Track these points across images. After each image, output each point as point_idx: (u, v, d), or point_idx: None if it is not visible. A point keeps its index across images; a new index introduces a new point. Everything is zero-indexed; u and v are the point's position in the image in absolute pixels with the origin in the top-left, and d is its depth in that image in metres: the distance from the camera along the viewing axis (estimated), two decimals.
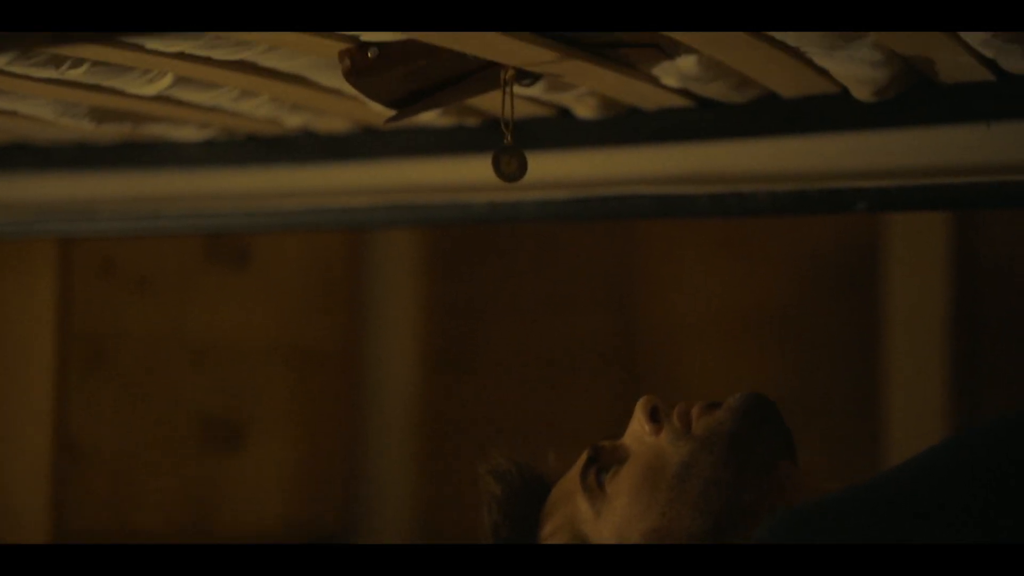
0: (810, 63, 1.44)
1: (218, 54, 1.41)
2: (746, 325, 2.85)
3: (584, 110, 1.66)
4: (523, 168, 1.50)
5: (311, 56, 1.46)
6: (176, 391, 2.79)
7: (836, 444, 2.58)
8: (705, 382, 2.84)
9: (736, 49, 1.38)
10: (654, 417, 1.32)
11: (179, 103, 1.66)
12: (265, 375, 2.96)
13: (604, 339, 3.03)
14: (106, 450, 2.67)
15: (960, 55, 1.37)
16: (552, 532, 1.33)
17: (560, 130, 1.69)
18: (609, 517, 1.30)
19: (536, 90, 1.58)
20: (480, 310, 3.15)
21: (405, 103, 1.47)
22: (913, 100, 1.49)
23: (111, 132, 1.87)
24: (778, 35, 1.35)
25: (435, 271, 3.20)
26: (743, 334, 2.86)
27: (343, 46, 1.37)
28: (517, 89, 1.55)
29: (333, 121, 1.78)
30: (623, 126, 1.67)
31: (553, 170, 1.69)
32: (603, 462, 1.33)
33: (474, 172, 1.73)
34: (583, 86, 1.58)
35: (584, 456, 1.35)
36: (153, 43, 1.35)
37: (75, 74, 1.46)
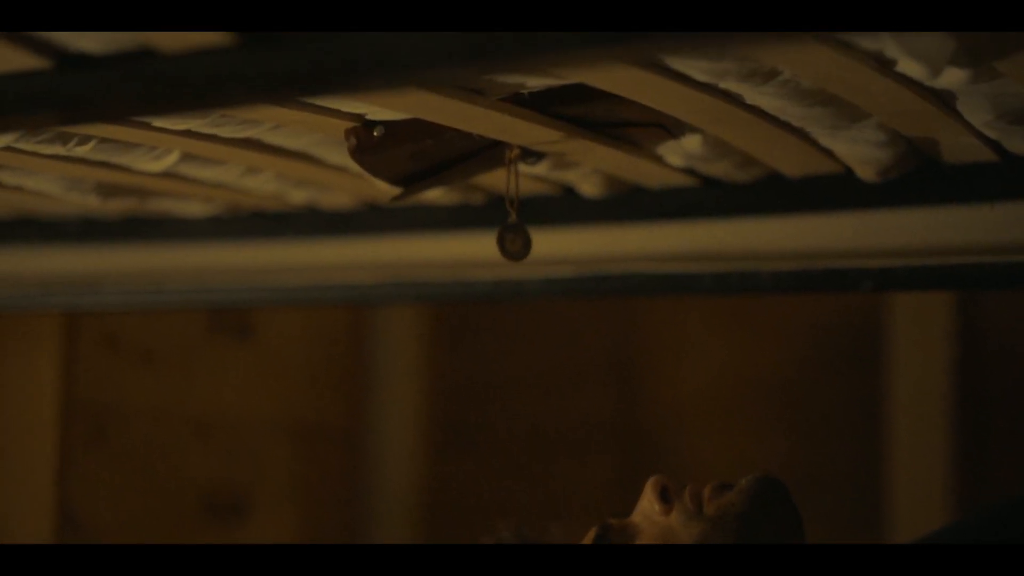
0: (814, 143, 1.44)
1: (224, 131, 1.42)
2: (749, 401, 2.85)
3: (589, 188, 1.66)
4: (527, 246, 1.51)
5: (316, 134, 1.47)
6: (179, 464, 2.78)
7: (840, 520, 2.57)
8: (709, 457, 2.83)
9: (740, 128, 1.38)
10: (664, 497, 1.32)
11: (185, 179, 1.66)
12: (268, 449, 2.95)
13: (608, 415, 3.02)
14: (108, 522, 2.65)
15: (963, 136, 1.38)
16: None
17: (565, 208, 1.70)
18: None
19: (541, 168, 1.58)
20: (484, 386, 3.15)
21: (410, 181, 1.48)
22: (917, 180, 1.50)
23: (117, 207, 1.87)
24: (782, 115, 1.35)
25: (439, 347, 3.19)
26: (746, 410, 2.85)
27: (348, 124, 1.38)
28: (522, 167, 1.56)
29: (338, 197, 1.79)
30: (627, 204, 1.67)
31: (557, 247, 1.69)
32: (611, 540, 1.33)
33: (478, 249, 1.73)
34: (588, 165, 1.59)
35: (592, 533, 1.35)
36: (160, 121, 1.36)
37: (82, 151, 1.46)
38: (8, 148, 1.43)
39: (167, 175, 1.63)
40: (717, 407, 2.89)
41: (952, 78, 1.20)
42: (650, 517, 1.33)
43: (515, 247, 1.51)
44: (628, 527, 1.34)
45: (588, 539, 1.34)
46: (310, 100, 1.30)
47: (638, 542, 1.32)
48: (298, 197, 1.79)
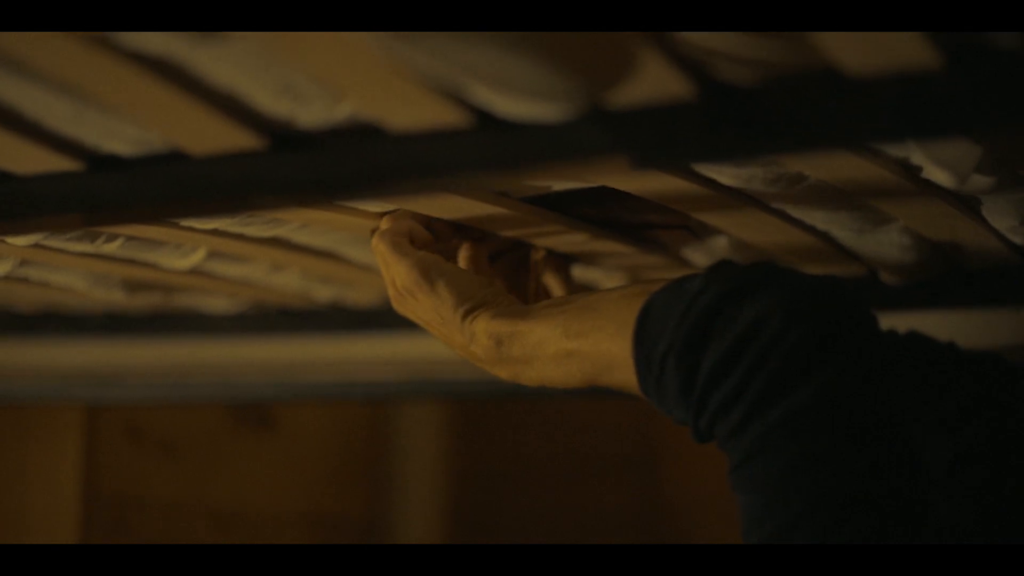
0: (839, 246, 1.44)
1: (251, 231, 1.42)
2: None
3: (612, 285, 1.66)
4: None
5: (342, 233, 1.48)
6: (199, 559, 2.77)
7: None
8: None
9: (765, 230, 1.38)
10: None
11: (211, 276, 1.67)
12: (288, 542, 2.94)
13: (629, 507, 3.01)
14: None
15: (989, 241, 1.38)
16: None
17: None
18: None
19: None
20: (504, 480, 3.14)
21: None
22: (941, 284, 1.50)
23: (142, 302, 1.88)
24: (807, 218, 1.36)
25: (459, 442, 3.19)
26: None
27: (373, 223, 1.39)
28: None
29: (362, 294, 1.80)
30: None
31: None
32: None
33: None
34: (612, 265, 1.59)
35: None
36: (187, 220, 1.36)
37: (110, 248, 1.47)
38: (36, 245, 1.44)
39: (193, 272, 1.63)
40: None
41: (977, 184, 1.20)
42: None
43: None
44: None
45: None
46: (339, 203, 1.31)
47: None
48: (323, 294, 1.80)
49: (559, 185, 1.28)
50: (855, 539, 1.00)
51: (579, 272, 1.63)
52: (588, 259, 1.56)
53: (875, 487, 1.02)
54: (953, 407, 1.09)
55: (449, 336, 1.30)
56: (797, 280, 1.08)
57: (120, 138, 1.07)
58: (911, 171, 1.18)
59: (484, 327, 1.25)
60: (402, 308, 1.33)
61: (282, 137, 1.03)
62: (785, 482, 1.02)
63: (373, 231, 1.37)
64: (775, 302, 1.05)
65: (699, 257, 1.53)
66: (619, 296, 1.18)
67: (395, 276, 1.29)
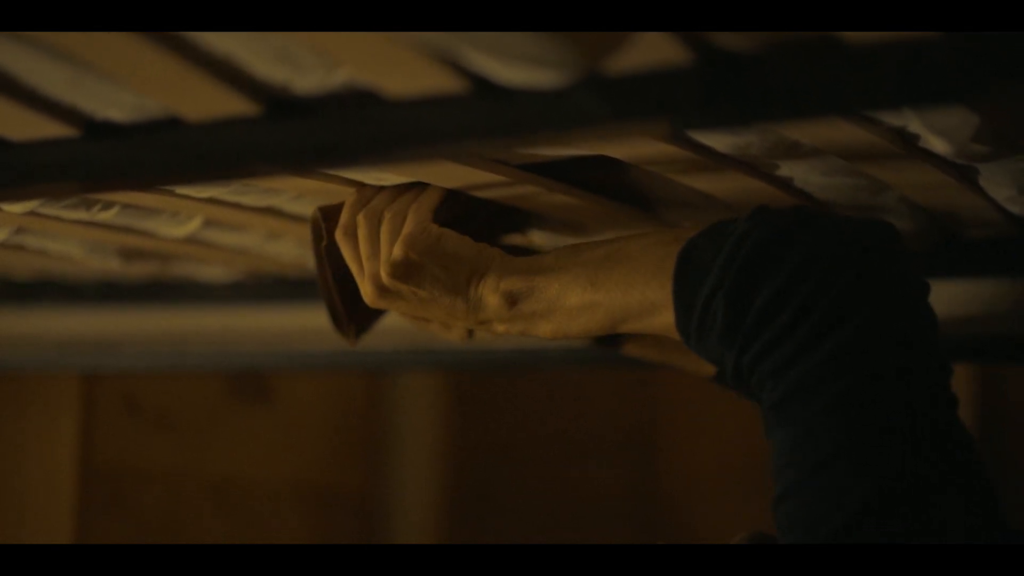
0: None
1: (247, 199, 1.42)
2: (766, 471, 2.83)
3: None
4: None
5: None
6: (195, 527, 2.77)
7: None
8: (727, 527, 2.82)
9: (761, 198, 1.38)
10: None
11: (207, 244, 1.67)
12: (284, 513, 2.94)
13: (625, 483, 3.01)
14: None
15: (986, 210, 1.38)
16: None
17: None
18: None
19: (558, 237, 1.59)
20: (500, 452, 3.14)
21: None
22: (938, 254, 1.50)
23: (138, 271, 1.88)
24: (805, 186, 1.36)
25: (455, 413, 3.19)
26: (763, 480, 2.84)
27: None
28: (528, 240, 1.56)
29: None
30: None
31: None
32: None
33: None
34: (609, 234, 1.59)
35: None
36: (183, 188, 1.36)
37: (105, 216, 1.47)
38: (32, 213, 1.44)
39: (189, 240, 1.63)
40: (734, 476, 2.87)
41: (975, 153, 1.20)
42: None
43: None
44: None
45: None
46: (335, 172, 1.31)
47: None
48: None
49: (554, 152, 1.28)
50: (886, 475, 1.02)
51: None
52: (578, 227, 1.56)
53: (909, 423, 1.04)
54: None
55: (450, 309, 1.27)
56: (842, 223, 1.11)
57: (117, 105, 1.07)
58: (909, 139, 1.18)
59: (493, 287, 1.24)
60: (390, 295, 1.29)
61: (278, 103, 1.03)
62: (825, 417, 1.04)
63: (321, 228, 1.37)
64: (823, 244, 1.08)
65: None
66: (650, 243, 1.19)
67: (396, 252, 1.26)
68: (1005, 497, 1.06)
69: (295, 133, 1.03)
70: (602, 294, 1.20)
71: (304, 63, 0.99)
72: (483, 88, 0.96)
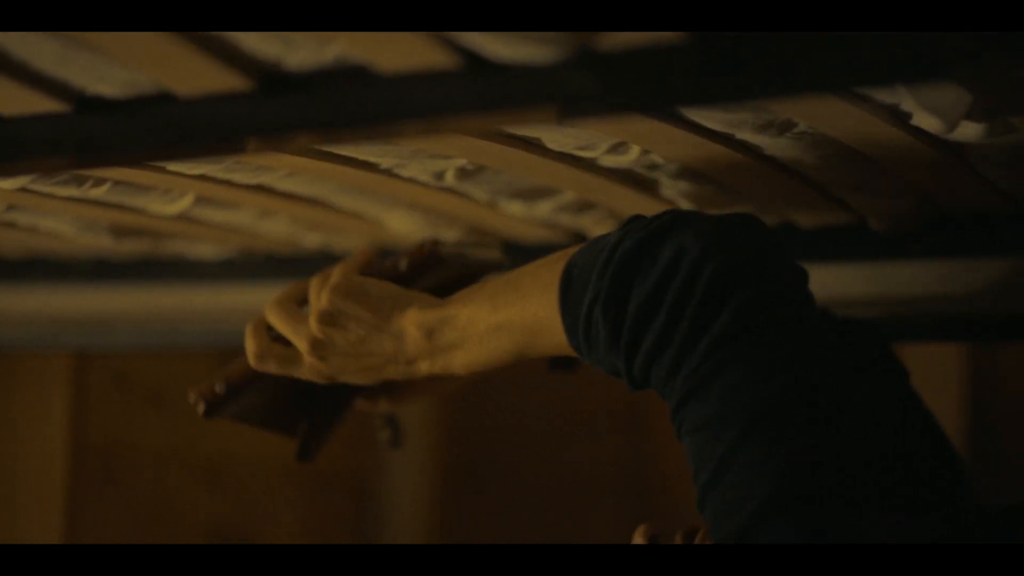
0: (828, 194, 1.44)
1: (238, 177, 1.42)
2: None
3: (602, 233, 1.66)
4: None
5: (329, 181, 1.47)
6: (187, 506, 2.78)
7: None
8: None
9: (755, 178, 1.38)
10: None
11: (199, 222, 1.67)
12: (276, 492, 2.94)
13: (621, 460, 3.01)
14: None
15: (978, 189, 1.38)
16: None
17: None
18: None
19: (553, 213, 1.59)
20: (494, 431, 3.14)
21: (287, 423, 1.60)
22: (930, 232, 1.50)
23: (130, 248, 1.88)
24: (797, 165, 1.36)
25: (449, 394, 3.19)
26: None
27: (362, 174, 1.39)
28: (532, 213, 1.57)
29: (351, 241, 1.79)
30: None
31: None
32: None
33: None
34: (602, 207, 1.59)
35: None
36: (175, 165, 1.36)
37: (97, 193, 1.47)
38: (23, 189, 1.44)
39: (181, 218, 1.63)
40: None
41: (967, 132, 1.20)
42: None
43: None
44: None
45: None
46: (326, 148, 1.31)
47: None
48: (311, 241, 1.79)
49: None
50: (794, 453, 1.00)
51: (566, 220, 1.63)
52: (579, 204, 1.56)
53: (811, 401, 1.02)
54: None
55: (378, 346, 1.32)
56: (709, 219, 1.10)
57: (108, 79, 1.07)
58: (901, 117, 1.18)
59: (413, 319, 1.29)
60: (324, 348, 1.35)
61: (270, 79, 1.03)
62: (722, 414, 1.03)
63: (195, 399, 1.53)
64: (691, 239, 1.07)
65: (685, 201, 1.52)
66: (540, 264, 1.21)
67: (322, 302, 1.33)
68: (993, 472, 1.05)
69: (287, 109, 1.03)
70: (503, 315, 1.22)
71: (296, 38, 0.99)
72: (475, 64, 0.96)
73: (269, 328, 1.41)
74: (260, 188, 1.48)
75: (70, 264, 1.99)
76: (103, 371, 2.59)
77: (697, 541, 1.30)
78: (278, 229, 1.72)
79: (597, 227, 1.64)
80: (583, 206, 1.57)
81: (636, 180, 1.45)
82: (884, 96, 1.14)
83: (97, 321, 2.03)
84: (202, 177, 1.41)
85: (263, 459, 2.90)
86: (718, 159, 1.32)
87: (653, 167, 1.41)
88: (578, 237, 1.68)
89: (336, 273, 1.35)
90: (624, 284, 1.09)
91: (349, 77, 1.01)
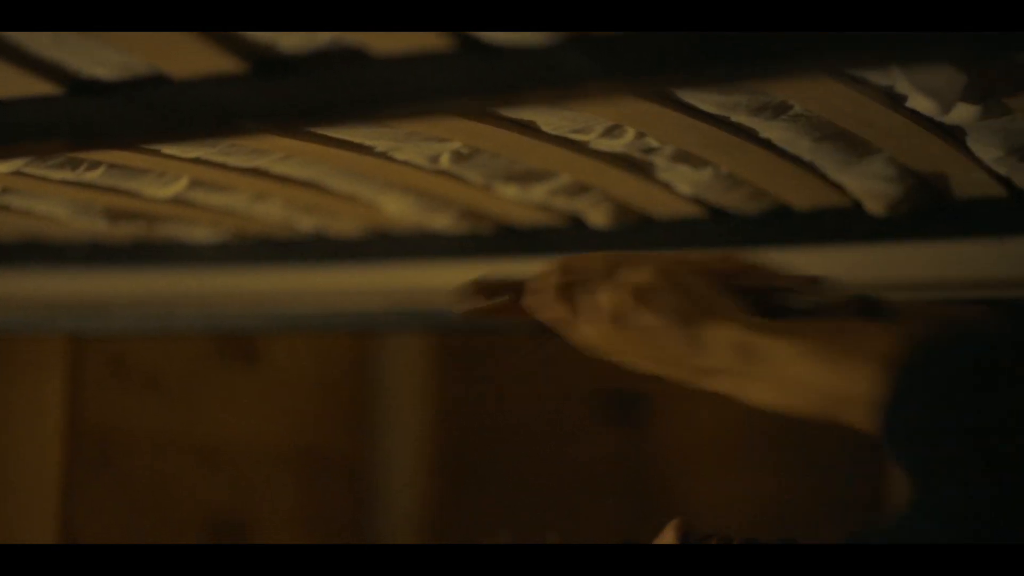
0: (824, 177, 1.44)
1: (233, 160, 1.42)
2: (761, 439, 2.84)
3: (597, 217, 1.66)
4: None
5: (324, 164, 1.47)
6: (183, 490, 2.78)
7: None
8: (716, 497, 2.82)
9: (751, 161, 1.38)
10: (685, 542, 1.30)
11: (193, 205, 1.67)
12: (272, 476, 2.94)
13: (616, 450, 3.01)
14: None
15: (973, 171, 1.38)
16: None
17: (572, 238, 1.69)
18: None
19: (548, 197, 1.59)
20: (489, 416, 3.14)
21: None
22: (926, 215, 1.49)
23: (125, 232, 1.87)
24: (792, 148, 1.35)
25: (445, 376, 3.19)
26: (758, 448, 2.84)
27: (356, 156, 1.38)
28: (527, 196, 1.57)
29: (345, 224, 1.79)
30: (636, 235, 1.67)
31: None
32: None
33: None
34: (597, 191, 1.59)
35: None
36: (169, 148, 1.36)
37: (92, 176, 1.47)
38: (18, 172, 1.44)
39: (176, 201, 1.63)
40: (726, 446, 2.87)
41: (962, 114, 1.20)
42: None
43: None
44: None
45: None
46: (321, 131, 1.31)
47: None
48: (306, 224, 1.79)
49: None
50: None
51: (561, 203, 1.62)
52: (572, 187, 1.56)
53: None
54: None
55: (671, 343, 1.20)
56: None
57: (102, 62, 1.06)
58: (896, 100, 1.18)
59: (730, 334, 1.18)
60: (623, 319, 1.22)
61: (264, 61, 1.03)
62: None
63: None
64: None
65: (683, 185, 1.52)
66: (878, 331, 1.11)
67: (643, 275, 1.21)
68: None
69: (281, 91, 1.03)
70: (816, 369, 1.12)
71: None
72: (469, 46, 0.96)
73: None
74: (255, 171, 1.48)
75: (65, 248, 1.99)
76: (99, 355, 2.59)
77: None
78: (273, 212, 1.72)
79: (592, 210, 1.64)
80: (578, 189, 1.57)
81: (631, 163, 1.45)
82: (879, 78, 1.14)
83: (92, 305, 2.03)
84: (197, 160, 1.41)
85: (259, 444, 2.91)
86: (713, 142, 1.32)
87: (648, 150, 1.41)
88: (573, 220, 1.68)
89: (669, 259, 1.23)
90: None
91: (343, 59, 1.01)
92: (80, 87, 1.09)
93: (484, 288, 1.31)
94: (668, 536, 1.30)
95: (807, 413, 1.14)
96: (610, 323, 1.23)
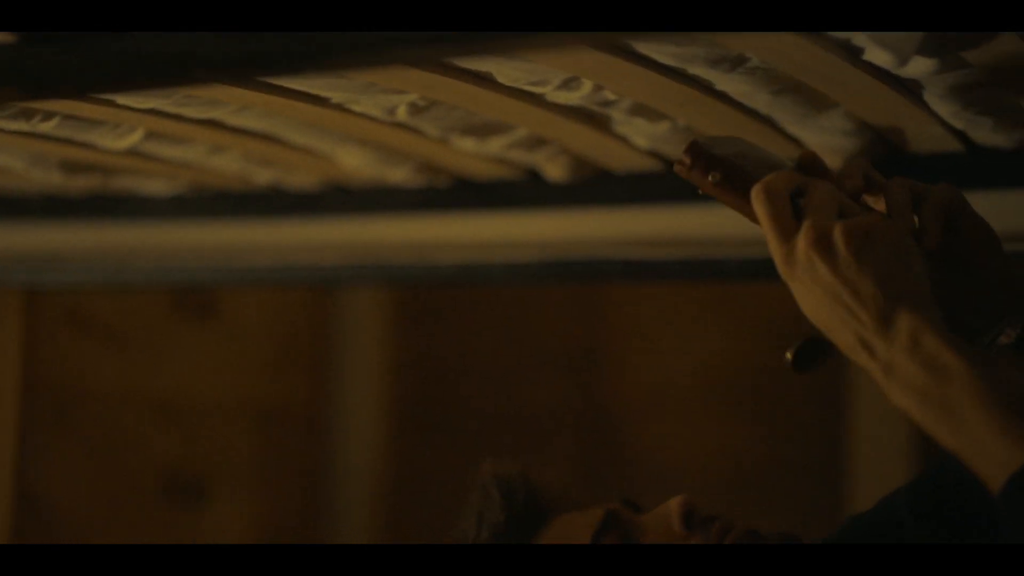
0: (781, 131, 1.44)
1: (189, 112, 1.41)
2: (713, 389, 2.85)
3: (554, 171, 1.66)
4: None
5: (280, 117, 1.46)
6: (140, 445, 2.77)
7: (801, 512, 2.57)
8: (669, 445, 2.84)
9: (707, 114, 1.38)
10: (688, 523, 1.29)
11: (149, 157, 1.66)
12: (230, 431, 2.94)
13: (570, 400, 3.02)
14: (67, 503, 2.64)
15: (930, 126, 1.38)
16: None
17: (529, 192, 1.69)
18: None
19: (505, 150, 1.58)
20: (447, 369, 3.15)
21: None
22: (883, 169, 1.49)
23: (81, 184, 1.86)
24: (750, 102, 1.35)
25: (402, 329, 3.19)
26: (709, 398, 2.86)
27: (313, 108, 1.38)
28: (484, 149, 1.56)
29: (302, 177, 1.78)
30: (592, 188, 1.67)
31: (521, 232, 1.69)
32: (614, 528, 1.31)
33: (443, 232, 1.73)
34: (554, 144, 1.58)
35: (599, 516, 1.31)
36: (124, 99, 1.35)
37: (46, 127, 1.45)
38: None
39: (131, 153, 1.62)
40: (680, 394, 2.89)
41: (919, 68, 1.20)
42: (664, 529, 1.29)
43: None
44: (636, 525, 1.31)
45: (592, 519, 1.31)
46: (277, 81, 1.30)
47: (639, 541, 1.29)
48: (263, 177, 1.78)
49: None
50: None
51: (518, 156, 1.62)
52: (529, 141, 1.56)
53: None
54: None
55: (860, 312, 1.09)
56: None
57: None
58: (853, 53, 1.18)
59: (923, 339, 1.07)
60: (827, 251, 1.10)
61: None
62: None
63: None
64: None
65: (640, 138, 1.52)
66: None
67: (869, 220, 1.11)
68: None
69: (238, 41, 1.02)
70: (986, 421, 1.04)
71: None
72: None
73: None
74: (211, 123, 1.47)
75: (20, 200, 1.97)
76: (54, 308, 2.58)
77: (732, 539, 1.28)
78: (229, 165, 1.71)
79: (549, 163, 1.63)
80: (535, 142, 1.57)
81: (589, 116, 1.45)
82: (836, 32, 1.14)
83: (48, 258, 2.02)
84: (152, 111, 1.40)
85: (217, 398, 2.90)
86: (670, 95, 1.31)
87: (605, 103, 1.40)
88: (530, 173, 1.67)
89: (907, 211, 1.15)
90: None
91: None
92: (32, 35, 1.08)
93: (702, 156, 1.16)
94: (672, 511, 1.29)
95: (940, 441, 1.06)
96: (817, 252, 1.10)
